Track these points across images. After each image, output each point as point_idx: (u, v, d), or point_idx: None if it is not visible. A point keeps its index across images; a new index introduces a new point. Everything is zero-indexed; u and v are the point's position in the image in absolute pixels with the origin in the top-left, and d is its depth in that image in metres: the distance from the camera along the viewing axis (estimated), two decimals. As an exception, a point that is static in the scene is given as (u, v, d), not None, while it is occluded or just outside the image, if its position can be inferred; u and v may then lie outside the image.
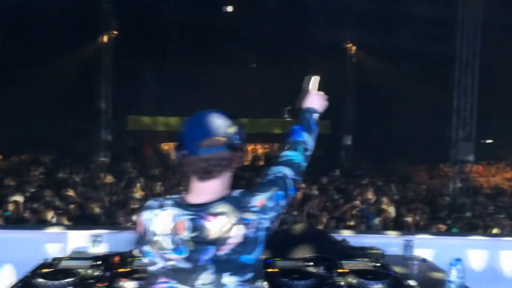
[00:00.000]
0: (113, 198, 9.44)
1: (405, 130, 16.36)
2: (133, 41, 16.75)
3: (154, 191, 10.22)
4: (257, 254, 1.63)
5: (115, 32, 17.22)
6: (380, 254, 3.55)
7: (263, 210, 1.63)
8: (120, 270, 2.80)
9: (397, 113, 16.54)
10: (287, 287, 2.65)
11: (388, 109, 16.51)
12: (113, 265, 2.88)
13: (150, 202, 1.70)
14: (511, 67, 14.70)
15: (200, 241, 1.58)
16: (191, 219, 1.60)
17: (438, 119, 13.95)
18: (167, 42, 17.09)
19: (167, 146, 18.90)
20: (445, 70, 12.83)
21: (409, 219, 8.04)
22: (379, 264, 3.06)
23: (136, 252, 2.85)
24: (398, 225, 7.80)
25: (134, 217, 6.45)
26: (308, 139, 1.96)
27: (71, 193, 9.09)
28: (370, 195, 10.05)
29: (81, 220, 7.04)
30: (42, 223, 6.47)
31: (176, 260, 1.61)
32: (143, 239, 1.66)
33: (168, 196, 1.70)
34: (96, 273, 2.77)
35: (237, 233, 1.58)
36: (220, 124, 1.66)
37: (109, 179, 11.75)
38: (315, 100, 2.12)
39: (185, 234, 1.59)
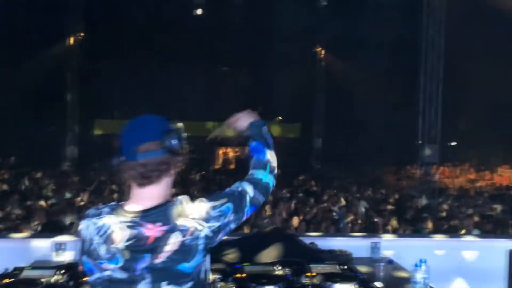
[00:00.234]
0: (80, 204, 9.21)
1: (373, 133, 16.69)
2: (100, 43, 16.46)
3: (124, 196, 10.01)
4: (196, 263, 1.57)
5: (82, 34, 16.90)
6: (348, 257, 3.60)
7: (203, 218, 1.58)
8: (84, 279, 2.73)
9: (366, 116, 16.85)
10: (255, 292, 2.64)
11: (357, 113, 16.80)
12: (77, 274, 2.81)
13: (89, 211, 1.66)
14: (474, 72, 15.24)
15: (136, 250, 1.54)
16: (127, 227, 1.56)
17: (405, 122, 14.28)
18: (136, 45, 16.89)
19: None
20: (411, 75, 13.17)
21: (378, 220, 8.17)
22: (346, 267, 3.10)
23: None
24: (368, 227, 7.92)
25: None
26: (272, 156, 1.90)
27: (42, 202, 8.82)
28: (340, 198, 10.18)
29: (46, 228, 6.84)
30: (4, 231, 6.25)
31: (112, 270, 1.56)
32: (82, 248, 1.63)
33: (109, 204, 1.66)
34: (59, 282, 2.69)
35: (173, 241, 1.53)
36: (158, 128, 1.63)
37: (75, 184, 11.47)
38: (247, 116, 2.03)
39: (121, 243, 1.55)
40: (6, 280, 2.70)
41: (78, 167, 15.29)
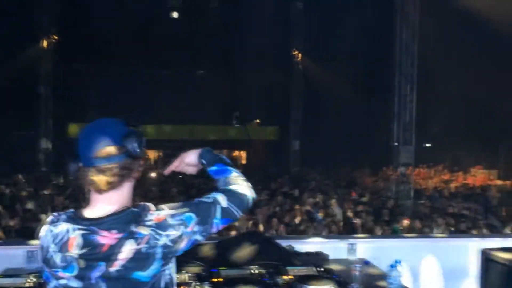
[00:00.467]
0: (55, 210, 9.03)
1: (350, 135, 16.89)
2: (74, 46, 16.21)
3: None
4: (154, 272, 1.52)
5: (55, 37, 16.60)
6: (325, 259, 3.62)
7: (160, 226, 1.52)
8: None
9: (343, 119, 17.03)
10: (232, 296, 2.64)
11: (334, 115, 16.96)
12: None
13: (49, 218, 1.61)
14: (448, 76, 15.58)
15: (90, 258, 1.49)
16: (82, 235, 1.51)
17: (381, 124, 14.50)
18: (110, 48, 16.68)
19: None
20: (386, 78, 13.39)
21: (355, 221, 8.26)
22: (323, 269, 3.11)
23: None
24: (345, 228, 8.00)
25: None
26: (238, 171, 1.78)
27: (20, 208, 8.59)
28: (318, 199, 10.24)
29: (20, 234, 6.69)
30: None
31: (67, 278, 1.52)
32: (41, 256, 1.59)
33: (68, 211, 1.61)
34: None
35: (127, 248, 1.48)
36: (117, 132, 1.56)
37: (49, 190, 11.23)
38: (190, 152, 1.90)
39: (75, 251, 1.50)
40: (-25, 290, 2.62)
41: (53, 171, 14.97)
